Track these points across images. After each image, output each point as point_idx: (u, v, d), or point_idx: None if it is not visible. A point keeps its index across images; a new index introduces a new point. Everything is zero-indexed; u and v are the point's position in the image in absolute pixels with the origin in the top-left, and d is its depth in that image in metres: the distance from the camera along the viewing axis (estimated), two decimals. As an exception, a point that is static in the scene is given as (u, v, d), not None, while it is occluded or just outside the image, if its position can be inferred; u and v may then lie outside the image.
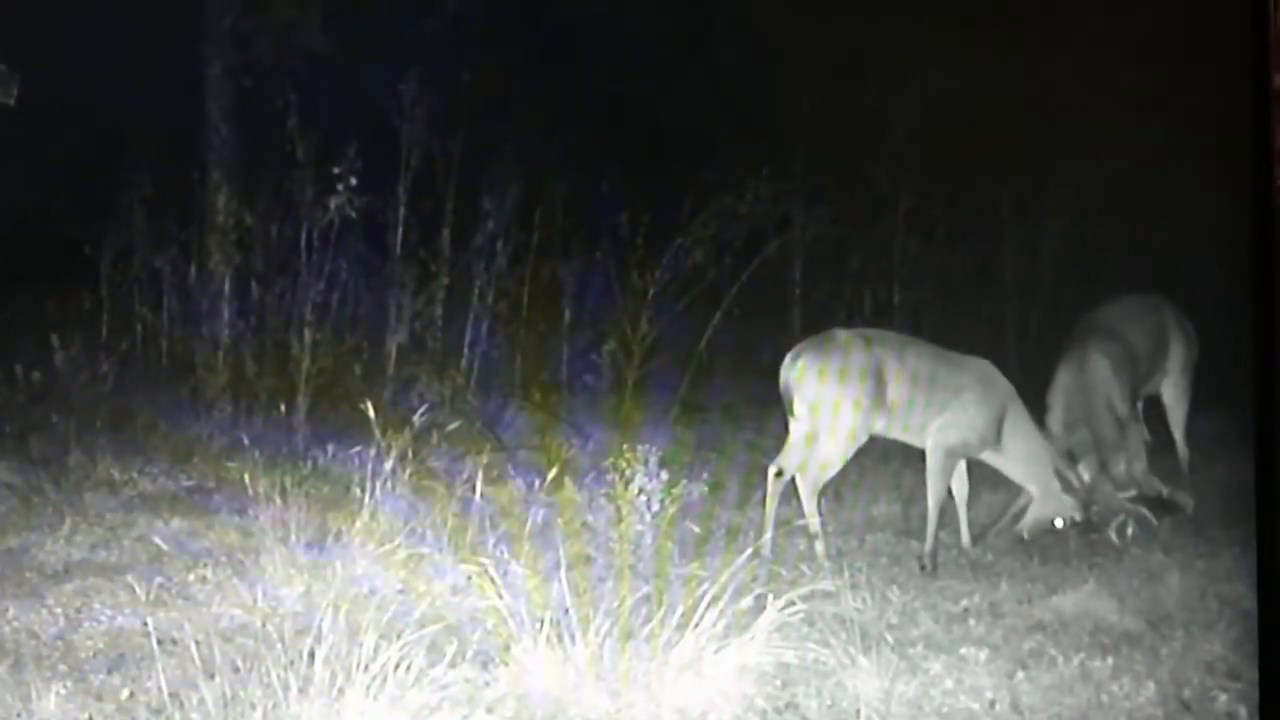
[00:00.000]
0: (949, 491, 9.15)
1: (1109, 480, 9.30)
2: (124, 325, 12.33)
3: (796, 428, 8.98)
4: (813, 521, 8.74)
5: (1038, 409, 9.46)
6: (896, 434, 9.09)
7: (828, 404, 8.77)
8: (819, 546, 8.62)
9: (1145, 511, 9.22)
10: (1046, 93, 15.48)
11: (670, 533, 7.97)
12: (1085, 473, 9.23)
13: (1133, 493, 9.34)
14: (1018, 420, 9.10)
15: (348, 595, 6.70)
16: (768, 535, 8.69)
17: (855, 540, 9.04)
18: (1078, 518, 9.09)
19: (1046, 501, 9.12)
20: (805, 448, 8.90)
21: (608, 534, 7.96)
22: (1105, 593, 7.72)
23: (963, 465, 9.22)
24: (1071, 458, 9.31)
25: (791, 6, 15.22)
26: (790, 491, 9.00)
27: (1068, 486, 9.03)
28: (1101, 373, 9.58)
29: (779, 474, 8.95)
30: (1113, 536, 9.22)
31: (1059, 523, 9.10)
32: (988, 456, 9.16)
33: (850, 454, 8.86)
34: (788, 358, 9.03)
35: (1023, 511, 9.29)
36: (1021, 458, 9.13)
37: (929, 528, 8.85)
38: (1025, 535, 9.17)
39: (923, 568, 8.62)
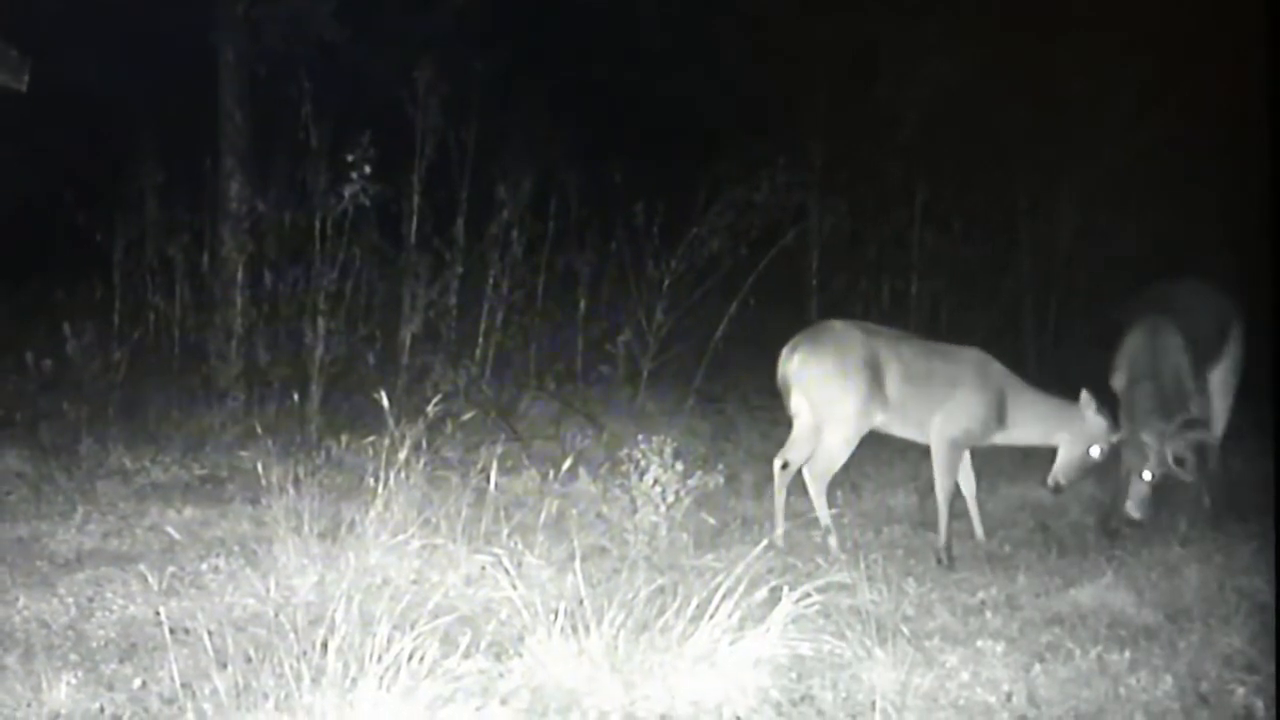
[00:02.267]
0: (958, 487, 9.14)
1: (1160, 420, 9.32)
2: (136, 314, 12.34)
3: (799, 421, 8.94)
4: (822, 515, 8.69)
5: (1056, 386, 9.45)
6: (897, 429, 9.05)
7: (829, 395, 8.72)
8: (832, 540, 8.58)
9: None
10: (1062, 84, 15.48)
11: (685, 524, 7.95)
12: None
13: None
14: (1019, 393, 9.08)
15: (361, 585, 6.66)
16: (779, 530, 8.67)
17: (871, 532, 9.01)
18: (1115, 439, 9.08)
19: (1075, 441, 9.10)
20: (810, 441, 8.86)
21: (622, 525, 7.94)
22: (1123, 586, 7.68)
23: (967, 459, 9.18)
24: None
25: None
26: (804, 482, 8.97)
27: (1096, 409, 8.99)
28: (1174, 344, 9.57)
29: (784, 466, 8.91)
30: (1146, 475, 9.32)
31: (1095, 451, 9.08)
32: (1001, 438, 9.14)
33: (854, 444, 8.82)
34: (785, 350, 8.95)
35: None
36: (1035, 421, 9.11)
37: (940, 521, 8.82)
38: (1061, 480, 9.18)
39: (939, 561, 8.58)
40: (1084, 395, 8.98)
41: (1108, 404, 9.17)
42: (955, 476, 8.98)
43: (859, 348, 8.77)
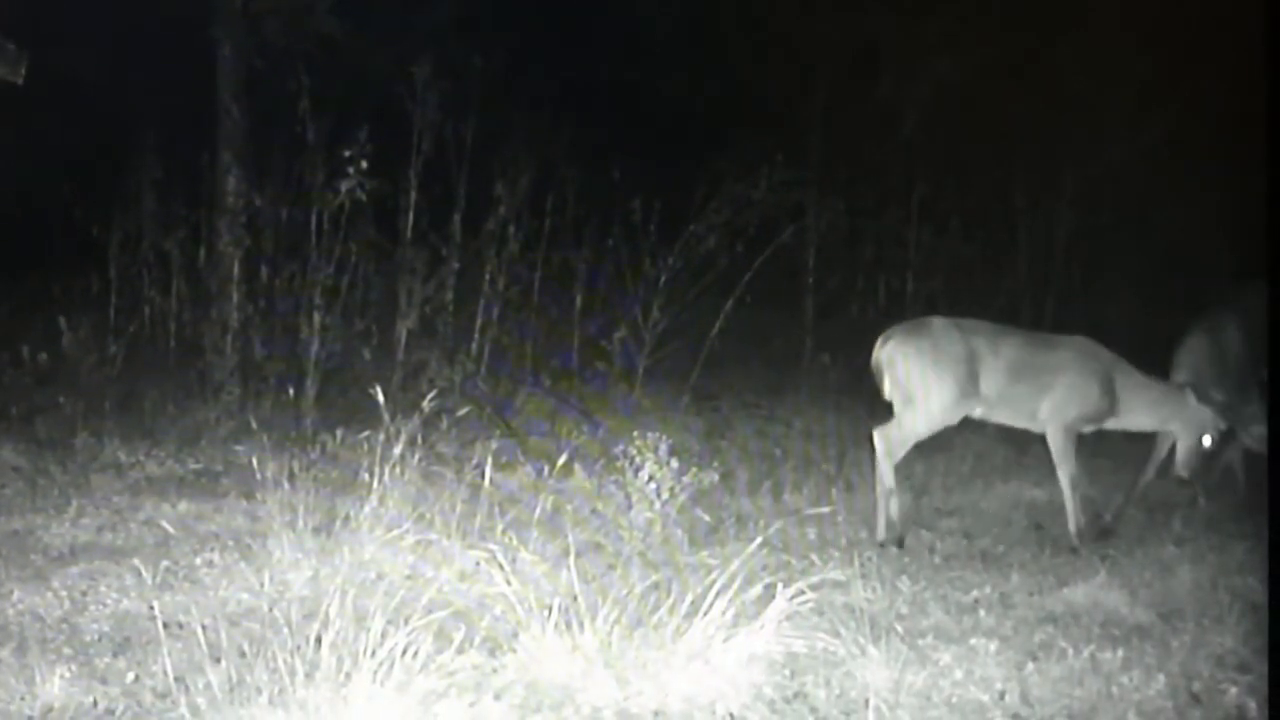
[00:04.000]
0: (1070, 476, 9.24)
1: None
2: (132, 308, 12.33)
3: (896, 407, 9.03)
4: (881, 485, 8.86)
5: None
6: (1000, 419, 9.24)
7: (917, 384, 8.80)
8: (881, 521, 8.71)
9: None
10: (1060, 83, 15.48)
11: (680, 520, 7.94)
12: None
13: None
14: (1128, 379, 9.20)
15: (355, 580, 6.68)
16: (881, 518, 8.79)
17: (866, 530, 9.00)
18: (1223, 426, 9.21)
19: (1188, 429, 9.24)
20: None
21: (617, 521, 7.93)
22: (1116, 585, 7.70)
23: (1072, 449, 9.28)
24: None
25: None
26: (801, 479, 9.00)
27: (1203, 396, 9.14)
28: (1233, 340, 9.64)
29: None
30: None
31: (1207, 440, 9.23)
32: (1115, 424, 9.26)
33: (930, 434, 8.92)
34: (880, 339, 9.07)
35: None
36: (1147, 408, 9.26)
37: (1068, 506, 9.03)
38: (1186, 473, 9.34)
39: (1074, 550, 8.77)
40: (1185, 390, 9.14)
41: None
42: (1073, 461, 9.10)
43: (955, 347, 8.89)
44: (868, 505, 9.18)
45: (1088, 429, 9.19)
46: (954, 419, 8.95)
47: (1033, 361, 9.03)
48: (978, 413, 9.04)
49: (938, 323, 9.09)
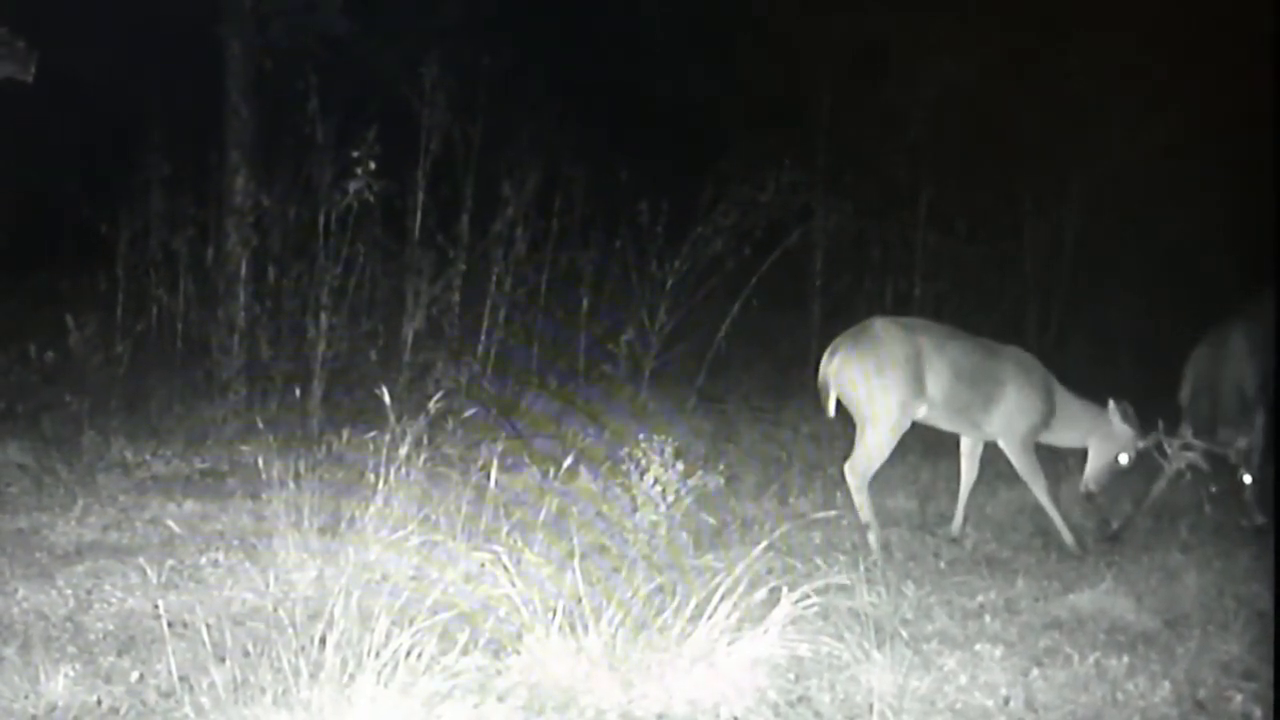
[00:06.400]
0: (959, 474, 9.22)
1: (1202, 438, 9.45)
2: (139, 306, 12.31)
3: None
4: (863, 512, 8.69)
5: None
6: (942, 424, 9.12)
7: (869, 395, 8.70)
8: (872, 537, 8.60)
9: (1200, 463, 9.49)
10: (1068, 86, 15.48)
11: (685, 524, 7.91)
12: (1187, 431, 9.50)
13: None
14: (1059, 393, 9.20)
15: (360, 581, 6.66)
16: (872, 535, 8.69)
17: (871, 534, 8.99)
18: (1141, 445, 9.23)
19: (1104, 447, 9.26)
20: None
21: (622, 524, 7.91)
22: (1122, 591, 7.68)
23: (979, 450, 9.24)
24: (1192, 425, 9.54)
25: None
26: (807, 483, 8.98)
27: (1125, 416, 9.13)
28: (1238, 351, 9.60)
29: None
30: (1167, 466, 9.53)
31: (1124, 459, 9.25)
32: (1044, 437, 9.26)
33: (895, 443, 8.81)
34: (826, 353, 8.94)
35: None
36: (1072, 423, 9.25)
37: (1054, 520, 9.07)
38: (1093, 487, 9.35)
39: (1079, 556, 8.79)
40: (1111, 404, 9.08)
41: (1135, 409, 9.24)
42: (1042, 475, 9.14)
43: (900, 346, 8.77)
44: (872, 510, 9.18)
45: (1039, 437, 9.19)
46: (907, 424, 8.85)
47: (978, 367, 8.96)
48: (921, 414, 8.92)
49: (880, 325, 8.95)
